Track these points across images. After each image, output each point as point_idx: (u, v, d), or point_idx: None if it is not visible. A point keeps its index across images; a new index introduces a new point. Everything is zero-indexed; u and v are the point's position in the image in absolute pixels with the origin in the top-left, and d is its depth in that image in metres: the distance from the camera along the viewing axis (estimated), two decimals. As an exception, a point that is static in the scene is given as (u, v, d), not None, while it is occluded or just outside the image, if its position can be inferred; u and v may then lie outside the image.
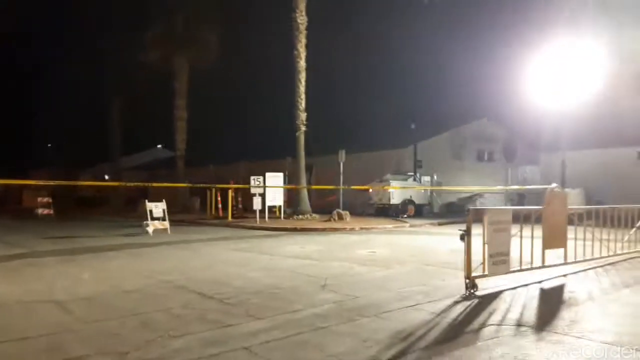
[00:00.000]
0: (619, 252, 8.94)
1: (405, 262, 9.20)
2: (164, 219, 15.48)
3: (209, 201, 22.39)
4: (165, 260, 9.85)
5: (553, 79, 16.82)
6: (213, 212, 21.98)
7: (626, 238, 9.29)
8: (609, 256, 8.68)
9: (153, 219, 15.30)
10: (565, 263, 7.73)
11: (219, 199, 21.82)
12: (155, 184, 20.36)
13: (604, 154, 23.24)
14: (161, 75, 29.25)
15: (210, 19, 28.00)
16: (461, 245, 6.36)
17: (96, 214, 26.37)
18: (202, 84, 30.75)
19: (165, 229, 15.32)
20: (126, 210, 26.60)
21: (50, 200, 23.71)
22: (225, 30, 28.67)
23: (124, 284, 7.24)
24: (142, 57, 27.77)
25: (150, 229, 14.94)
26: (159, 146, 52.26)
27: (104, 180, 38.55)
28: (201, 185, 21.83)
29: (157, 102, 35.03)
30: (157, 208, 15.45)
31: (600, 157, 22.99)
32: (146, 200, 15.68)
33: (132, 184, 19.71)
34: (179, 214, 22.91)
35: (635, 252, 9.37)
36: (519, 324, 4.96)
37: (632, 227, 9.52)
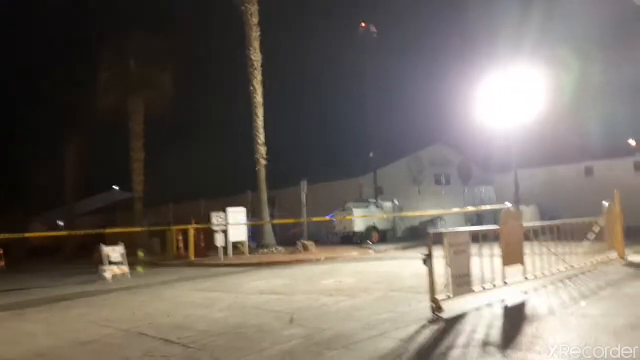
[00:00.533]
0: (575, 265, 9.25)
1: (371, 289, 9.19)
2: (122, 263, 14.94)
3: (170, 241, 21.82)
4: (124, 307, 9.46)
5: (500, 102, 17.59)
6: (174, 252, 21.41)
7: (580, 251, 9.63)
8: (565, 270, 8.95)
9: (111, 263, 14.74)
10: (525, 279, 7.91)
11: (180, 238, 21.31)
12: (110, 230, 19.68)
13: (553, 171, 24.31)
14: (116, 116, 28.75)
15: (164, 58, 27.95)
16: (424, 269, 6.43)
17: (51, 263, 25.18)
18: (159, 123, 30.41)
19: (125, 274, 14.77)
20: (82, 257, 25.52)
21: (1, 252, 22.52)
22: (180, 67, 28.66)
23: (79, 336, 6.88)
24: (96, 98, 27.28)
25: (108, 275, 14.37)
26: (115, 188, 50.87)
27: (58, 227, 37.00)
28: (159, 228, 21.35)
29: (111, 143, 34.34)
30: (115, 252, 14.92)
31: (549, 174, 24.02)
32: (102, 245, 15.11)
33: (81, 232, 18.97)
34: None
35: (590, 264, 9.71)
36: (485, 344, 5.01)
37: (585, 239, 9.90)
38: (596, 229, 10.13)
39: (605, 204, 10.69)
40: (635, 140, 29.05)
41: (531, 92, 17.06)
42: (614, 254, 10.62)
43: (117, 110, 28.25)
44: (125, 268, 14.91)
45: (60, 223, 38.03)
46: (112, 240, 16.63)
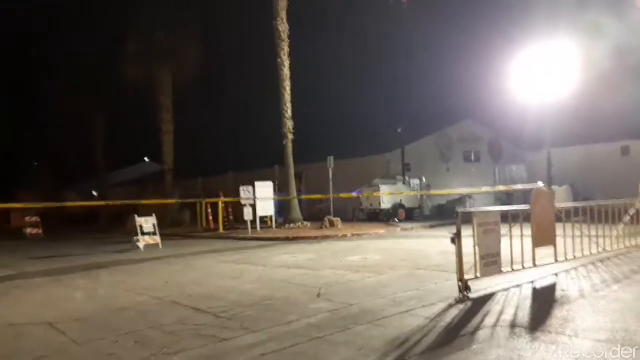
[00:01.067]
0: (608, 248, 9.05)
1: (398, 267, 9.22)
2: (154, 234, 15.36)
3: (200, 214, 22.27)
4: (157, 276, 9.77)
5: (534, 77, 17.02)
6: (204, 224, 21.87)
7: (615, 234, 9.40)
8: (598, 253, 8.78)
9: (144, 234, 15.18)
10: (556, 261, 7.80)
11: (210, 211, 21.71)
12: (143, 202, 20.20)
13: (588, 150, 23.56)
14: (146, 88, 29.11)
15: (192, 31, 27.98)
16: (452, 247, 6.42)
17: (85, 232, 26.08)
18: (188, 96, 30.69)
19: (157, 244, 15.20)
20: (116, 226, 26.34)
21: (39, 220, 23.42)
22: (208, 40, 28.68)
23: (115, 302, 7.16)
24: (125, 71, 27.64)
25: (141, 245, 14.83)
26: (146, 159, 51.91)
27: (92, 197, 38.16)
28: (190, 200, 21.75)
29: (142, 116, 34.87)
30: (148, 223, 15.34)
31: (584, 154, 23.30)
32: (135, 216, 15.55)
33: (119, 203, 19.50)
34: (170, 228, 22.76)
35: (624, 247, 9.48)
36: (513, 325, 5.00)
37: (620, 222, 9.65)
38: (632, 211, 9.85)
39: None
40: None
41: (567, 66, 16.41)
42: (650, 238, 10.32)
43: (147, 82, 28.59)
44: (157, 238, 15.34)
45: (95, 194, 39.20)
46: (144, 212, 17.08)
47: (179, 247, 15.45)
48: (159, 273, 10.24)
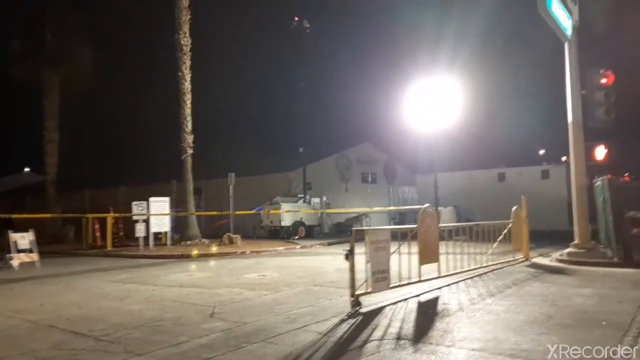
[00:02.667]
0: (484, 264, 9.92)
1: (294, 284, 9.30)
2: (31, 251, 13.96)
3: (85, 230, 20.65)
4: (32, 297, 8.87)
5: (423, 107, 18.37)
6: (90, 241, 20.30)
7: (490, 251, 10.35)
8: (476, 268, 9.59)
9: (19, 251, 13.73)
10: (439, 276, 8.39)
11: (97, 226, 20.24)
12: (17, 216, 18.29)
13: (470, 175, 25.77)
14: (29, 92, 26.73)
15: (85, 34, 26.34)
16: (347, 264, 6.63)
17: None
18: (77, 104, 28.62)
19: (33, 262, 13.82)
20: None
21: None
22: (103, 46, 27.16)
23: (-21, 328, 6.38)
24: (8, 70, 25.18)
25: (15, 263, 13.37)
26: (26, 170, 47.27)
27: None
28: (73, 215, 20.18)
29: (23, 122, 31.86)
30: (24, 239, 13.90)
31: (467, 178, 25.43)
32: (10, 231, 14.03)
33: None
34: (51, 245, 20.85)
35: (498, 263, 10.46)
36: (398, 338, 5.26)
37: (495, 240, 10.64)
38: (505, 231, 10.92)
39: (513, 208, 11.55)
40: (544, 150, 31.53)
41: (452, 99, 17.99)
42: (520, 256, 11.51)
43: (31, 85, 26.27)
44: (35, 256, 13.94)
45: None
46: (21, 227, 15.47)
47: (59, 266, 14.18)
48: (34, 294, 9.31)
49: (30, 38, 25.71)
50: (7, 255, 13.58)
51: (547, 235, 17.81)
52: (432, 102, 17.79)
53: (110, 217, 19.44)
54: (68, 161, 28.22)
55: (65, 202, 27.63)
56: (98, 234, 20.14)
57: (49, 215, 22.45)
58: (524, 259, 11.54)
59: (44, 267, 13.57)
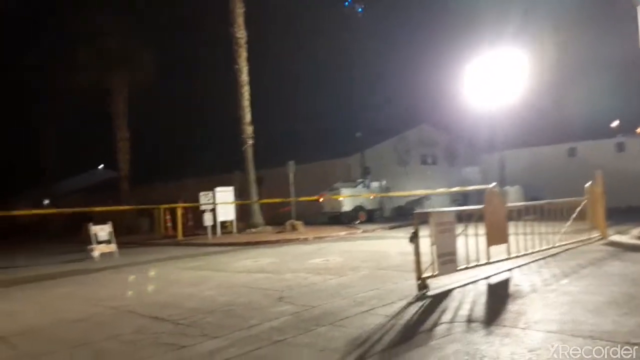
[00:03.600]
0: (557, 244, 9.47)
1: (359, 268, 9.33)
2: (110, 242, 14.92)
3: (158, 220, 21.77)
4: (113, 285, 9.50)
5: (485, 83, 17.67)
6: (162, 231, 21.38)
7: (563, 230, 9.85)
8: (548, 248, 9.17)
9: (99, 242, 14.71)
10: (509, 258, 8.11)
11: (168, 217, 21.26)
12: (97, 209, 19.54)
13: (537, 152, 24.57)
14: (100, 94, 28.32)
15: (148, 36, 27.48)
16: (411, 247, 6.56)
17: (36, 242, 25.01)
18: (144, 101, 30.01)
19: (112, 252, 14.76)
20: (69, 235, 25.38)
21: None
22: (165, 46, 28.21)
23: (69, 314, 6.91)
24: (79, 77, 26.81)
25: (96, 253, 14.36)
26: (100, 167, 50.30)
27: (44, 206, 36.62)
28: (147, 206, 21.25)
29: (97, 122, 33.82)
30: (103, 231, 14.87)
31: (534, 155, 24.28)
32: (90, 224, 15.05)
33: (71, 210, 18.80)
34: (127, 236, 22.14)
35: (572, 242, 9.95)
36: (469, 320, 5.15)
37: (568, 219, 10.11)
38: (579, 208, 10.35)
39: (588, 185, 10.90)
40: (618, 122, 29.46)
41: (516, 73, 17.15)
42: (596, 234, 10.88)
43: (102, 88, 27.82)
44: (113, 247, 14.89)
45: (46, 202, 37.63)
46: (100, 219, 16.55)
47: (136, 255, 15.05)
48: (114, 282, 9.95)
49: (98, 44, 27.13)
50: (89, 247, 14.58)
51: (624, 212, 16.71)
52: (495, 76, 17.07)
53: (180, 207, 20.34)
54: (139, 157, 29.76)
55: (137, 196, 29.22)
56: (169, 224, 21.18)
57: (125, 208, 23.83)
58: (600, 237, 10.89)
59: (121, 257, 14.46)
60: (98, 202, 33.01)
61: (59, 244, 22.41)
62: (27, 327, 6.26)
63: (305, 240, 16.64)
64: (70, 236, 24.42)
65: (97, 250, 14.48)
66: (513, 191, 20.04)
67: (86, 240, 15.13)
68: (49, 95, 30.55)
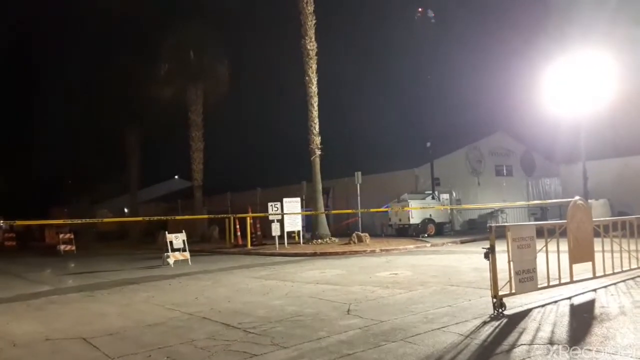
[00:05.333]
0: (649, 263, 8.68)
1: (429, 283, 9.05)
2: (184, 250, 15.55)
3: (228, 229, 22.47)
4: (187, 292, 9.85)
5: (566, 88, 16.69)
6: (232, 240, 22.03)
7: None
8: (638, 268, 8.43)
9: (173, 250, 15.38)
10: (594, 277, 7.53)
11: (238, 226, 21.89)
12: (176, 217, 20.53)
13: (625, 163, 22.75)
14: (177, 106, 29.83)
15: (223, 50, 28.66)
16: (484, 263, 6.26)
17: (117, 248, 26.61)
18: (217, 112, 31.25)
19: (186, 260, 15.37)
20: (146, 243, 26.80)
21: (72, 237, 24.03)
22: (238, 58, 29.28)
23: (147, 318, 7.24)
24: (156, 90, 28.42)
25: (171, 261, 15.01)
26: (176, 177, 52.91)
27: (124, 214, 39.02)
28: (220, 215, 21.99)
29: (172, 133, 35.63)
30: (177, 239, 15.54)
31: (620, 166, 22.51)
32: (166, 232, 15.79)
33: (154, 219, 19.83)
34: (198, 244, 23.01)
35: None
36: (550, 342, 4.81)
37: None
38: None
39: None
40: None
41: (602, 77, 16.05)
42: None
43: (177, 101, 29.32)
44: (187, 254, 15.51)
45: (126, 210, 40.05)
46: (174, 228, 17.35)
47: (207, 263, 15.58)
48: (188, 288, 10.32)
49: (175, 59, 28.69)
50: (165, 254, 15.28)
51: None
52: (579, 81, 16.07)
53: (249, 217, 20.88)
54: (212, 167, 30.98)
55: (210, 205, 30.43)
56: (239, 233, 21.78)
57: (200, 217, 24.84)
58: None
59: (194, 264, 15.02)
60: (173, 210, 34.77)
61: (137, 250, 23.72)
62: (108, 329, 6.61)
63: (372, 253, 16.46)
64: (147, 243, 25.77)
65: (172, 258, 15.13)
66: (598, 205, 18.69)
67: (162, 247, 15.87)
68: (133, 107, 32.56)
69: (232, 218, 22.09)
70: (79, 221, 16.41)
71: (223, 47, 29.23)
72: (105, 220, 27.83)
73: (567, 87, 16.48)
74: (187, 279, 11.88)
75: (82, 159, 41.07)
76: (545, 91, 17.41)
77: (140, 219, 24.59)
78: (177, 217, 20.89)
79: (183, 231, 15.93)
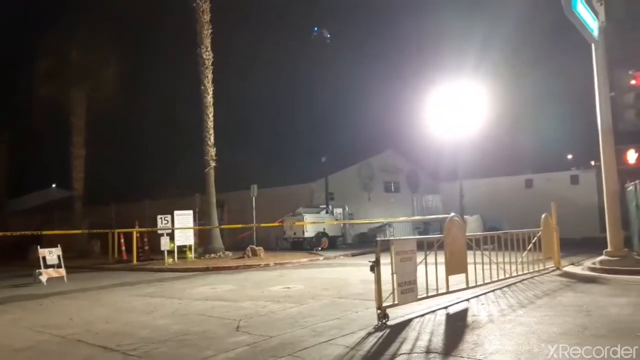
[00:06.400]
0: (514, 274, 9.67)
1: (319, 296, 9.21)
2: (59, 266, 14.21)
3: (111, 244, 20.96)
4: (61, 312, 8.99)
5: (447, 114, 18.20)
6: (115, 255, 20.60)
7: (519, 261, 10.08)
8: (505, 278, 9.34)
9: (47, 266, 13.99)
10: (468, 287, 8.19)
11: (122, 241, 20.53)
12: (48, 232, 18.71)
13: (496, 183, 25.32)
14: (55, 109, 27.43)
15: (109, 51, 26.97)
16: (373, 275, 6.52)
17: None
18: (101, 119, 29.23)
19: (62, 277, 14.05)
20: (15, 258, 24.07)
21: None
22: (126, 62, 27.76)
23: (13, 342, 6.49)
24: (33, 91, 25.97)
25: (43, 278, 13.63)
26: (53, 185, 48.41)
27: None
28: (100, 231, 20.52)
29: (49, 139, 32.68)
30: (52, 254, 14.16)
31: (492, 185, 25.00)
32: (38, 247, 14.33)
33: (19, 233, 17.88)
34: (77, 259, 21.19)
35: (528, 273, 10.18)
36: (428, 351, 5.12)
37: (524, 249, 10.37)
38: (535, 239, 10.64)
39: (543, 216, 11.25)
40: (572, 155, 30.82)
41: (477, 105, 17.78)
42: (550, 264, 11.19)
43: (58, 103, 26.99)
44: (62, 271, 14.18)
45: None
46: (48, 242, 15.81)
47: (86, 281, 14.38)
48: (63, 309, 9.43)
49: (56, 57, 26.44)
50: (37, 271, 13.85)
51: (578, 243, 17.32)
52: (457, 108, 17.63)
53: (135, 231, 19.69)
54: (94, 176, 28.82)
55: (91, 216, 28.18)
56: (124, 247, 20.44)
57: (76, 232, 22.88)
58: (555, 268, 11.22)
59: (71, 282, 13.79)
60: (49, 222, 31.67)
61: (5, 266, 21.21)
62: (-39, 358, 5.81)
63: (266, 267, 16.38)
64: (18, 259, 23.17)
65: (46, 275, 13.76)
66: (472, 220, 20.50)
67: (34, 263, 14.38)
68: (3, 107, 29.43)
69: (115, 232, 20.68)
70: None
71: (113, 49, 27.54)
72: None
73: (447, 111, 17.97)
74: (61, 299, 10.86)
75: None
76: (430, 114, 18.82)
77: (2, 234, 22.00)
78: (48, 232, 19.04)
79: (58, 245, 14.57)
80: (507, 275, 9.45)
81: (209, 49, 21.35)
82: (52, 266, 14.08)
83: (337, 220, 24.35)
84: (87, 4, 27.78)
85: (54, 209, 36.69)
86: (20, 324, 7.93)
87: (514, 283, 9.36)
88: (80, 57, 26.67)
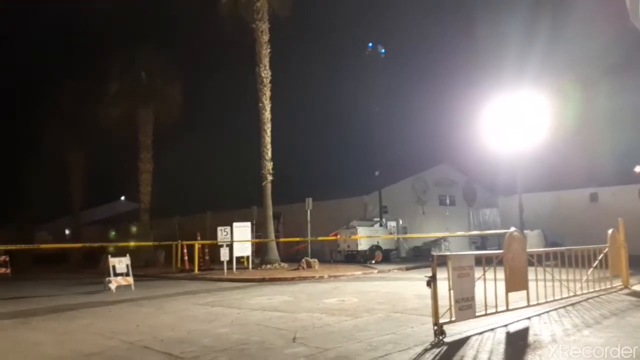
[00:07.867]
0: (578, 292, 9.25)
1: (374, 310, 9.21)
2: (127, 275, 15.02)
3: (175, 254, 21.89)
4: (129, 319, 9.52)
5: (506, 125, 17.73)
6: (179, 265, 21.48)
7: (584, 278, 9.63)
8: (569, 297, 8.96)
9: (116, 274, 14.83)
10: (529, 305, 7.94)
11: (185, 251, 21.40)
12: (120, 244, 19.83)
13: (558, 196, 24.27)
14: (126, 127, 29.14)
15: (175, 72, 28.43)
16: (427, 290, 6.49)
17: (56, 271, 25.23)
18: (168, 135, 30.77)
19: (129, 285, 14.84)
20: (87, 266, 25.62)
21: (7, 259, 22.61)
22: (190, 81, 29.14)
23: (84, 347, 6.95)
24: (106, 111, 27.73)
25: (112, 286, 14.45)
26: (122, 198, 51.15)
27: (65, 236, 37.21)
28: (164, 243, 21.48)
29: (119, 154, 34.65)
30: (121, 263, 15.00)
31: (555, 199, 23.98)
32: (109, 256, 15.22)
33: (94, 245, 19.05)
34: (143, 268, 22.24)
35: (593, 291, 9.70)
36: (486, 370, 5.04)
37: (589, 267, 9.90)
38: (601, 256, 10.14)
39: (610, 231, 10.70)
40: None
41: (538, 116, 17.21)
42: (618, 282, 10.61)
43: (127, 122, 28.66)
44: (130, 279, 14.98)
45: (67, 232, 38.21)
46: (117, 251, 16.74)
47: (152, 289, 15.11)
48: (130, 316, 9.98)
49: (126, 78, 28.15)
50: (106, 279, 14.70)
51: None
52: (516, 119, 17.16)
53: (197, 244, 20.48)
54: (160, 189, 30.25)
55: (157, 228, 29.53)
56: (186, 257, 21.28)
57: (145, 244, 24.10)
58: (622, 286, 10.61)
59: (138, 290, 14.53)
60: (119, 233, 33.44)
61: (78, 274, 22.64)
62: (45, 359, 6.30)
63: (320, 279, 16.52)
64: (89, 267, 24.65)
65: (115, 283, 14.57)
66: (533, 236, 19.72)
67: (104, 271, 15.27)
68: (78, 126, 31.54)
69: (179, 244, 21.58)
70: (13, 247, 15.50)
71: (177, 69, 29.04)
72: (43, 246, 26.36)
73: (506, 123, 17.51)
74: (129, 306, 11.48)
75: (21, 177, 38.98)
76: (487, 127, 18.40)
77: (80, 245, 23.47)
78: (120, 244, 20.16)
79: (127, 255, 15.42)
80: (571, 294, 9.05)
81: (267, 67, 22.06)
82: (120, 274, 14.89)
83: (391, 233, 24.19)
84: (153, 28, 29.54)
85: (122, 220, 38.73)
86: (91, 329, 8.46)
87: (579, 302, 8.96)
88: (149, 79, 28.28)
